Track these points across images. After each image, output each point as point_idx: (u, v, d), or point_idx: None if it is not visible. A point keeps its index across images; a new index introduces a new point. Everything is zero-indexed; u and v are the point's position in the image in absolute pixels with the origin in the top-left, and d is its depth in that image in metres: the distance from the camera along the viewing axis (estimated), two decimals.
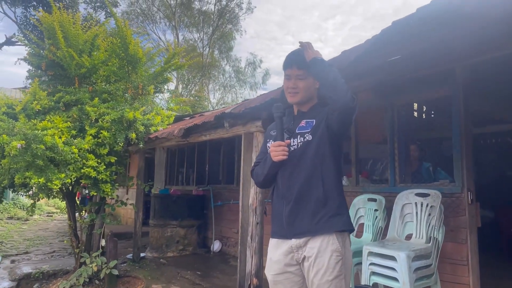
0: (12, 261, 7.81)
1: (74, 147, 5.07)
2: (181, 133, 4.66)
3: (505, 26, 2.19)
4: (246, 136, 3.95)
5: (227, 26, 32.22)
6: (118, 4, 24.79)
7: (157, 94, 6.63)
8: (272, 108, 2.18)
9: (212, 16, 31.51)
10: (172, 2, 31.03)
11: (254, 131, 3.80)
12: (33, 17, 5.72)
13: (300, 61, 2.16)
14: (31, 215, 6.22)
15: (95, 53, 6.15)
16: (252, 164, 3.96)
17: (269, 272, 2.18)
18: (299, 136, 2.16)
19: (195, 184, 9.19)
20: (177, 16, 31.38)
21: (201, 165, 9.19)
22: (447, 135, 4.84)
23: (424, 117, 6.56)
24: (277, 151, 2.10)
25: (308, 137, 2.13)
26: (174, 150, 10.30)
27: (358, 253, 4.18)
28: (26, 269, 6.96)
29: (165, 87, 6.66)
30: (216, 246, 7.82)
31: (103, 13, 24.50)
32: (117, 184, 5.99)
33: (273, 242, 2.21)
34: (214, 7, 31.23)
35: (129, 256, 6.99)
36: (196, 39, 32.52)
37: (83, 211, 6.42)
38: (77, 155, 5.10)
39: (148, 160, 11.50)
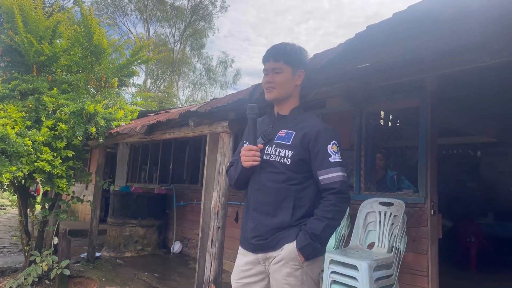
0: None
1: (27, 139, 4.76)
2: (144, 129, 4.46)
3: (478, 37, 2.16)
4: (212, 136, 3.81)
5: (200, 23, 31.90)
6: None
7: (122, 88, 6.35)
8: (246, 108, 2.02)
9: (185, 12, 31.10)
10: None
11: (220, 132, 3.67)
12: None
13: (277, 53, 2.03)
14: None
15: (57, 40, 5.83)
16: (218, 165, 3.83)
17: (234, 277, 2.06)
18: (275, 146, 1.99)
19: (158, 183, 8.94)
20: (149, 9, 30.79)
21: (166, 163, 8.95)
22: (412, 144, 4.86)
23: (390, 125, 6.62)
24: (247, 155, 1.96)
25: (286, 152, 1.95)
26: (137, 146, 9.99)
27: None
28: None
29: (131, 80, 6.40)
30: (176, 247, 7.60)
31: (71, 0, 23.74)
32: (73, 180, 5.69)
33: (240, 250, 2.10)
34: (188, 3, 30.88)
35: (84, 255, 6.68)
36: (168, 34, 32.03)
37: (36, 207, 6.06)
38: (30, 147, 4.79)
39: (111, 155, 11.14)
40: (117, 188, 8.76)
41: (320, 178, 1.93)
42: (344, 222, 4.57)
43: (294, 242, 1.88)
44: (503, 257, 6.97)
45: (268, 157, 2.00)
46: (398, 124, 6.65)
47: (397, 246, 3.98)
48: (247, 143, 2.04)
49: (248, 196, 2.10)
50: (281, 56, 2.02)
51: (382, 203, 4.24)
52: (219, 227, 3.52)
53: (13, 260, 6.91)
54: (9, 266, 6.49)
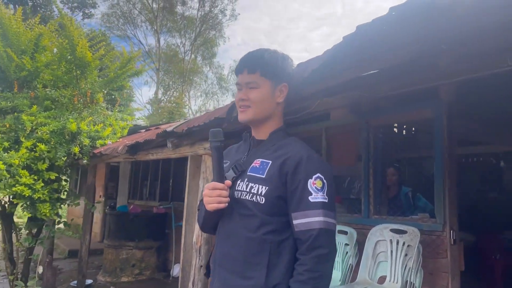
0: None
1: (1, 162, 4.36)
2: (124, 150, 4.02)
3: (498, 40, 1.65)
4: (193, 159, 3.33)
5: (210, 32, 31.76)
6: (96, 5, 24.12)
7: (109, 104, 5.94)
8: (209, 134, 1.51)
9: (195, 22, 30.98)
10: (154, 5, 30.42)
11: (202, 154, 3.18)
12: None
13: (253, 62, 1.55)
14: None
15: (41, 54, 5.46)
16: (200, 193, 3.35)
17: None
18: (247, 180, 1.50)
19: (159, 200, 8.49)
20: (159, 20, 30.74)
21: (166, 179, 8.51)
22: (428, 154, 4.32)
23: (404, 134, 6.05)
24: (211, 196, 1.45)
25: (260, 189, 1.46)
26: (138, 162, 9.58)
27: None
28: None
29: (121, 95, 5.99)
30: (176, 270, 7.11)
31: (80, 13, 23.77)
32: (59, 204, 5.28)
33: None
34: (198, 13, 30.74)
35: (74, 283, 6.24)
36: (179, 44, 31.93)
37: (21, 232, 5.67)
38: (5, 171, 4.39)
39: (116, 170, 10.74)
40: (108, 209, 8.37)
41: (294, 222, 1.43)
42: (351, 251, 4.02)
43: None
44: None
45: (239, 194, 1.50)
46: (413, 132, 6.10)
47: (411, 281, 3.43)
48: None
49: (215, 247, 1.62)
50: (258, 67, 1.54)
51: (393, 230, 3.68)
52: (201, 266, 3.01)
53: (3, 287, 6.51)
54: None
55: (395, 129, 5.67)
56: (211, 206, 1.47)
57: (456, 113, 3.75)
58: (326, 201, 1.43)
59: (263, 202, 1.45)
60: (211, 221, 1.60)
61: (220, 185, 1.46)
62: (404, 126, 5.96)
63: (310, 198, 1.42)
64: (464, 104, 4.17)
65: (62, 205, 5.51)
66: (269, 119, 1.59)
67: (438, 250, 3.52)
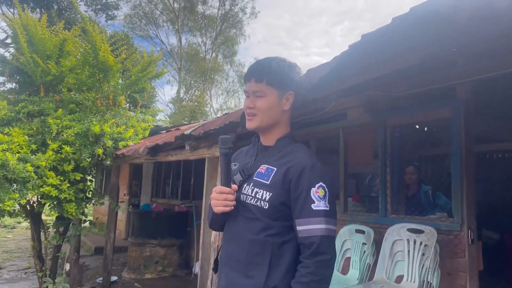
0: None
1: (29, 164, 4.55)
2: (145, 152, 4.14)
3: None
4: (210, 161, 3.42)
5: (231, 30, 31.90)
6: (119, 6, 24.56)
7: (131, 105, 6.09)
8: (219, 140, 1.59)
9: (215, 20, 31.16)
10: (175, 5, 30.74)
11: (219, 156, 3.26)
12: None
13: (260, 72, 1.60)
14: None
15: (65, 59, 5.64)
16: None
17: None
18: (253, 185, 1.57)
19: (181, 198, 8.64)
20: (180, 19, 31.05)
21: (187, 178, 8.65)
22: (448, 152, 4.29)
23: (423, 132, 5.99)
24: (218, 199, 1.54)
25: (264, 194, 1.53)
26: (160, 161, 9.77)
27: None
28: None
29: (142, 97, 6.14)
30: (197, 268, 7.21)
31: (104, 15, 24.26)
32: (84, 203, 5.47)
33: None
34: (218, 11, 30.90)
35: (100, 280, 6.45)
36: (200, 43, 32.18)
37: (49, 231, 5.88)
38: (32, 173, 4.58)
39: (139, 169, 10.96)
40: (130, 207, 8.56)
41: (298, 228, 1.50)
42: (369, 250, 4.04)
43: None
44: None
45: (244, 198, 1.58)
46: (433, 130, 6.04)
47: (429, 280, 3.43)
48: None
49: (222, 246, 1.71)
50: (265, 76, 1.59)
51: (411, 230, 3.69)
52: None
53: (33, 283, 6.77)
54: None
55: (416, 127, 5.63)
56: (217, 209, 1.55)
57: (474, 111, 3.72)
58: (328, 209, 1.49)
59: (266, 207, 1.52)
60: (218, 222, 1.69)
61: (226, 189, 1.54)
62: (423, 125, 5.91)
63: (312, 206, 1.48)
64: (482, 102, 4.12)
65: (87, 205, 5.70)
66: (275, 126, 1.65)
67: (456, 250, 3.50)
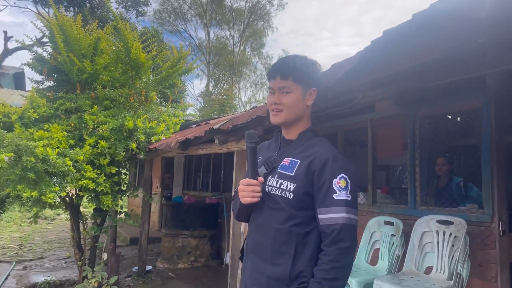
0: (24, 268, 7.70)
1: (68, 159, 4.79)
2: (176, 146, 4.29)
3: None
4: (239, 154, 3.51)
5: (258, 22, 31.88)
6: (149, 2, 24.96)
7: (162, 100, 6.26)
8: (245, 135, 1.70)
9: (243, 13, 31.21)
10: (203, 0, 30.96)
11: None
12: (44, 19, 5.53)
13: (286, 69, 1.68)
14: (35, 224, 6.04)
15: (99, 57, 5.85)
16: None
17: None
18: (277, 177, 1.67)
19: (211, 191, 8.83)
20: (209, 13, 31.25)
21: (217, 170, 8.82)
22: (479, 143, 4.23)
23: (454, 123, 5.88)
24: (245, 191, 1.63)
25: (288, 185, 1.62)
26: (191, 155, 9.98)
27: (370, 285, 3.67)
28: (35, 278, 6.81)
29: (174, 92, 6.29)
30: (228, 258, 7.40)
31: (134, 12, 24.71)
32: (120, 195, 5.70)
33: None
34: (245, 4, 30.94)
35: (135, 269, 6.70)
36: (228, 36, 32.32)
37: (87, 222, 6.15)
38: (71, 167, 4.81)
39: (171, 162, 11.23)
40: (177, 194, 8.80)
41: (319, 217, 1.59)
42: (398, 241, 4.05)
43: None
44: None
45: (270, 189, 1.67)
46: (461, 121, 5.92)
47: (459, 271, 3.43)
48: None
49: (248, 235, 1.81)
50: (290, 73, 1.67)
51: (440, 221, 3.68)
52: None
53: (73, 272, 7.10)
54: (68, 279, 6.67)
55: (448, 117, 5.53)
56: (245, 200, 1.64)
57: (504, 101, 3.65)
58: (349, 199, 1.57)
59: (291, 197, 1.61)
60: (245, 213, 1.78)
61: (253, 181, 1.63)
62: (454, 116, 5.81)
63: (334, 196, 1.56)
64: None
65: (122, 197, 5.92)
66: (299, 121, 1.73)
67: (487, 241, 3.48)
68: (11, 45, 22.54)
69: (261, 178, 1.66)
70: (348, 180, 1.59)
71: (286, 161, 1.69)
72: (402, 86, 3.94)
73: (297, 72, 1.68)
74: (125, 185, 5.98)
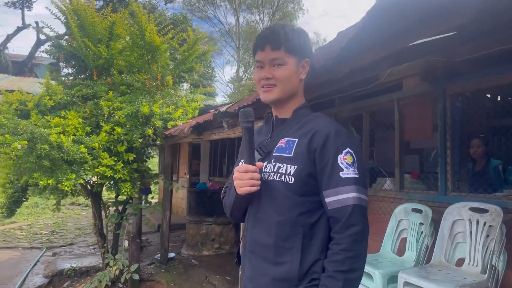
0: (54, 254, 7.87)
1: (83, 146, 4.71)
2: (189, 131, 4.11)
3: None
4: None
5: (288, 5, 31.25)
6: None
7: (181, 85, 6.09)
8: (239, 114, 1.43)
9: None
10: None
11: None
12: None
13: (277, 38, 1.43)
14: (57, 212, 6.10)
15: (115, 42, 5.73)
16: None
17: None
18: (274, 161, 1.43)
19: None
20: None
21: None
22: None
23: (491, 101, 5.39)
24: (242, 179, 1.39)
25: (288, 168, 1.39)
26: (216, 141, 9.84)
27: (396, 278, 3.39)
28: (63, 264, 6.93)
29: (192, 76, 6.10)
30: None
31: None
32: (138, 183, 5.60)
33: None
34: None
35: (158, 256, 6.66)
36: (258, 21, 31.89)
37: (109, 210, 6.12)
38: (86, 154, 4.73)
39: (198, 148, 11.16)
40: (204, 181, 8.71)
41: (326, 200, 1.36)
42: (426, 230, 3.73)
43: None
44: None
45: (267, 176, 1.43)
46: (498, 99, 5.43)
47: (493, 264, 3.09)
48: (243, 161, 1.48)
49: (244, 233, 1.56)
50: (282, 43, 1.43)
51: (473, 209, 3.33)
52: None
53: (99, 259, 7.18)
54: (93, 266, 6.75)
55: (488, 96, 5.07)
56: (243, 189, 1.40)
57: None
58: (358, 176, 1.35)
59: (292, 181, 1.37)
60: (241, 207, 1.53)
61: (251, 167, 1.38)
62: (490, 93, 5.32)
63: (341, 174, 1.34)
64: None
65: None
66: (292, 97, 1.50)
67: None
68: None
69: (260, 163, 1.42)
70: (354, 156, 1.38)
71: (282, 142, 1.46)
72: (430, 61, 3.59)
73: (290, 41, 1.44)
74: (148, 172, 5.88)
